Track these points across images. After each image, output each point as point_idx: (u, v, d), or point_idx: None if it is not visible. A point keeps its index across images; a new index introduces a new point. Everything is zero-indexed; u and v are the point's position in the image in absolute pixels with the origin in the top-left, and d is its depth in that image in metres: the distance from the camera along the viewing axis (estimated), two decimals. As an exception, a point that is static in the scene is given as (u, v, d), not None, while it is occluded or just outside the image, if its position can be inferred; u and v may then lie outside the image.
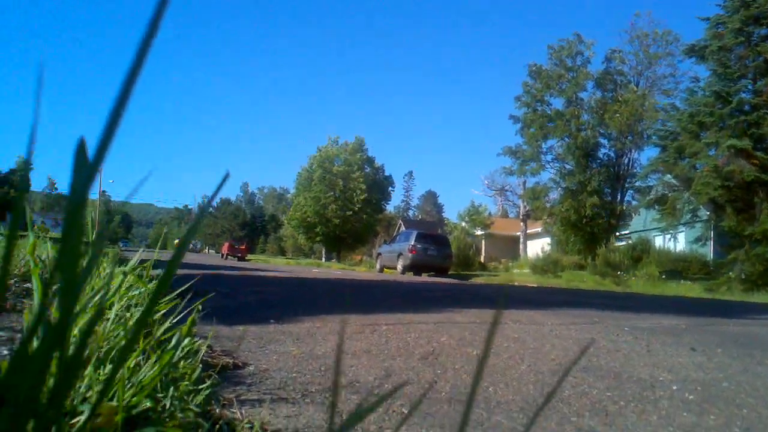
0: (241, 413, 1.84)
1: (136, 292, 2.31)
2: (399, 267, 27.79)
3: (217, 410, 1.75)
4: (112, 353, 1.50)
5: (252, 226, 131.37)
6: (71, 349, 0.51)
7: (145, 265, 2.57)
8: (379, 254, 32.77)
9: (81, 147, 0.52)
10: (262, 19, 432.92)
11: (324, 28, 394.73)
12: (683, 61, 33.81)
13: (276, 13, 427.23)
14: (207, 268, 14.88)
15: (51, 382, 0.52)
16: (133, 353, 1.51)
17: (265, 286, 9.16)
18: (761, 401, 2.63)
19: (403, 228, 59.13)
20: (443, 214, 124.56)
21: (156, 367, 1.46)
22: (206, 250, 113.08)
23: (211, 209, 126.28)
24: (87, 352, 0.53)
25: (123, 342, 1.54)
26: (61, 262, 0.46)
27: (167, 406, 1.47)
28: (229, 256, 57.05)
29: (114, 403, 1.21)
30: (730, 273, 24.09)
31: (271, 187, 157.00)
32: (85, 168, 0.49)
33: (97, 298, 1.74)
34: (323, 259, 69.53)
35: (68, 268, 0.47)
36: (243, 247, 61.62)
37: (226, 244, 61.97)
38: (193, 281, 2.49)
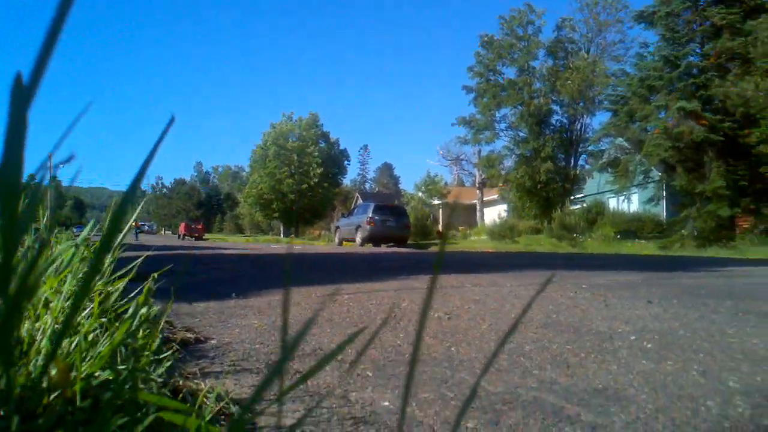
0: (205, 384, 1.82)
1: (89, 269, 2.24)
2: (358, 239, 27.83)
3: (180, 382, 1.73)
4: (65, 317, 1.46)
5: (208, 205, 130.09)
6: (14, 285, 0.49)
7: (96, 243, 2.50)
8: (338, 228, 32.78)
9: (18, 81, 0.49)
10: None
11: (276, 3, 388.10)
12: (632, 27, 34.44)
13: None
14: (163, 248, 14.68)
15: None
16: (90, 319, 1.48)
17: (224, 264, 9.08)
18: (716, 346, 2.70)
19: (360, 201, 59.10)
20: (400, 185, 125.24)
21: (116, 336, 1.43)
22: (162, 232, 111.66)
23: (158, 185, 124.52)
24: (33, 284, 0.51)
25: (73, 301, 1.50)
26: (1, 191, 0.44)
27: (128, 378, 1.44)
28: (186, 237, 56.49)
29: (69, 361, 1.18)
30: (683, 230, 24.81)
31: (226, 166, 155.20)
32: (22, 92, 0.47)
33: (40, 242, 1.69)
34: (282, 235, 69.23)
35: (9, 196, 0.44)
36: (200, 226, 60.99)
37: (183, 224, 61.24)
38: (146, 253, 2.44)
